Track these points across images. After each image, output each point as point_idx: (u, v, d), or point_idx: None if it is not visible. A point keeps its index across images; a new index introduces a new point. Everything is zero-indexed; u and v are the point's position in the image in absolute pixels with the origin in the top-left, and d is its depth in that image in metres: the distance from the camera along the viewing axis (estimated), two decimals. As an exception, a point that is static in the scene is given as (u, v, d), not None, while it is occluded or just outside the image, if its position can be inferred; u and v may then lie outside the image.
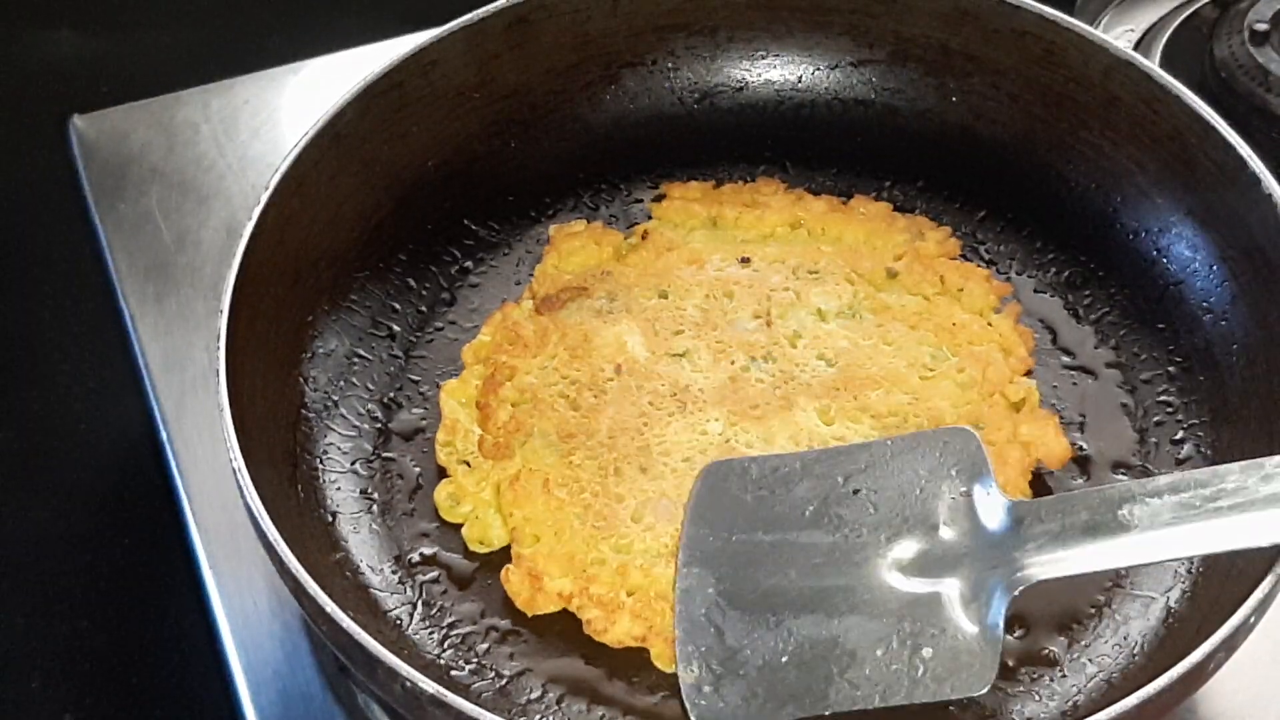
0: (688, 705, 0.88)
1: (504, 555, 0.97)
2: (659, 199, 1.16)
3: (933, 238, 1.12)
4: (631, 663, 0.92)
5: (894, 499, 0.91)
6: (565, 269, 1.11)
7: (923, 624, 0.87)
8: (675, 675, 0.91)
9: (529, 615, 0.94)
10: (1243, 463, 0.83)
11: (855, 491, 0.93)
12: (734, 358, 1.04)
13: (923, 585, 0.89)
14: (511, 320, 1.07)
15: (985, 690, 0.86)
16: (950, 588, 0.88)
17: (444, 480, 1.00)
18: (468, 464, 1.01)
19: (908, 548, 0.90)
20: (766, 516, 0.93)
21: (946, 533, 0.90)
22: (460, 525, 0.98)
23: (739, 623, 0.90)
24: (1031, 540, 0.87)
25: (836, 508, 0.92)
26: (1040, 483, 0.99)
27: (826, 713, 0.87)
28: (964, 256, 1.12)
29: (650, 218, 1.14)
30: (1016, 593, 0.87)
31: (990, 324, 1.07)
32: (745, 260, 1.09)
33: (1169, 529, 0.83)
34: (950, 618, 0.87)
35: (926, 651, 0.87)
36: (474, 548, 0.97)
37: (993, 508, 0.89)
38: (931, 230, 1.12)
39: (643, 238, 1.12)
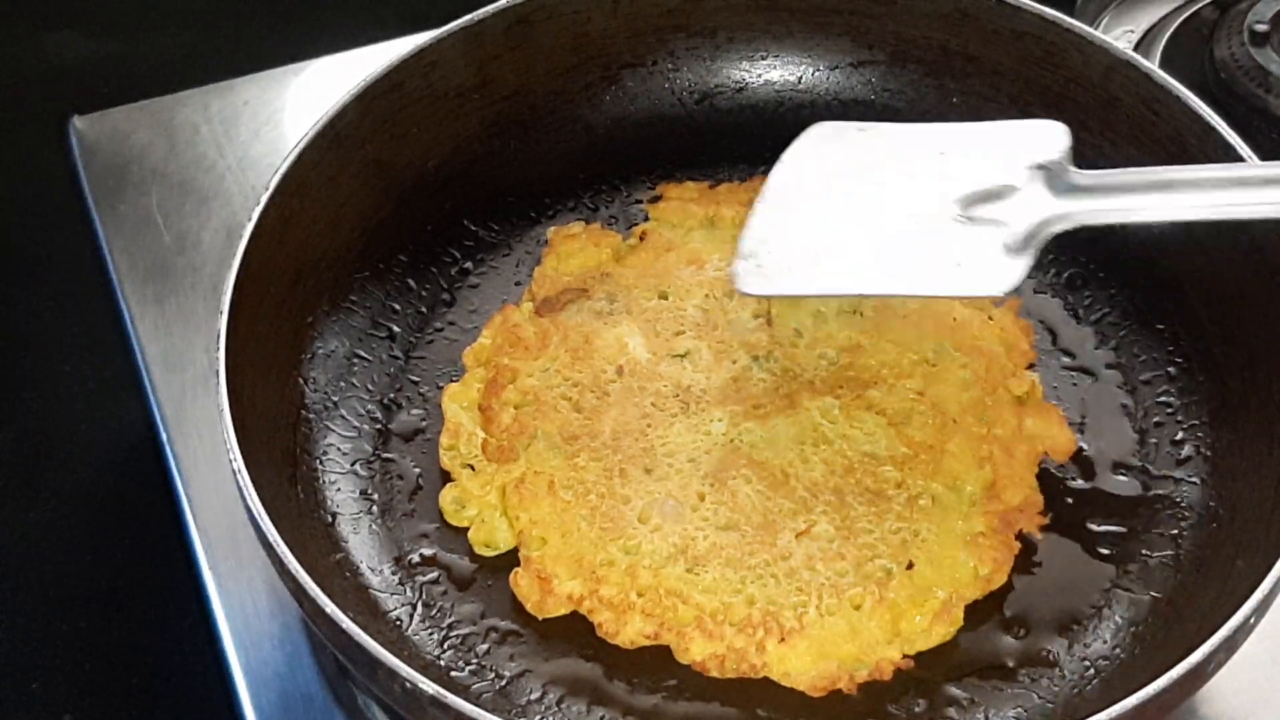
0: (736, 280, 0.97)
1: (506, 557, 0.97)
2: (656, 200, 1.16)
3: (931, 236, 1.12)
4: (632, 663, 0.92)
5: (977, 162, 0.99)
6: (564, 271, 1.11)
7: (967, 243, 0.95)
8: (682, 671, 0.91)
9: (538, 618, 0.94)
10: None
11: (943, 153, 1.01)
12: (735, 357, 1.04)
13: (980, 220, 0.96)
14: (512, 323, 1.07)
15: (1002, 292, 0.93)
16: (1002, 226, 0.95)
17: (449, 484, 1.00)
18: (472, 467, 1.01)
19: (977, 189, 0.97)
20: (855, 165, 1.02)
21: (1015, 188, 0.97)
22: (464, 528, 0.98)
23: (803, 220, 0.99)
24: (1088, 195, 0.95)
25: (922, 163, 1.01)
26: (1045, 478, 0.99)
27: (854, 293, 0.98)
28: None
29: (649, 219, 1.14)
30: (1059, 228, 0.95)
31: (991, 318, 1.07)
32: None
33: (1206, 193, 0.93)
34: (992, 243, 0.95)
35: (961, 258, 0.95)
36: (480, 551, 0.97)
37: (1064, 175, 0.97)
38: (930, 228, 1.13)
39: (641, 239, 1.12)
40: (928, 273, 0.95)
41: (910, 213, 0.98)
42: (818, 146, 1.04)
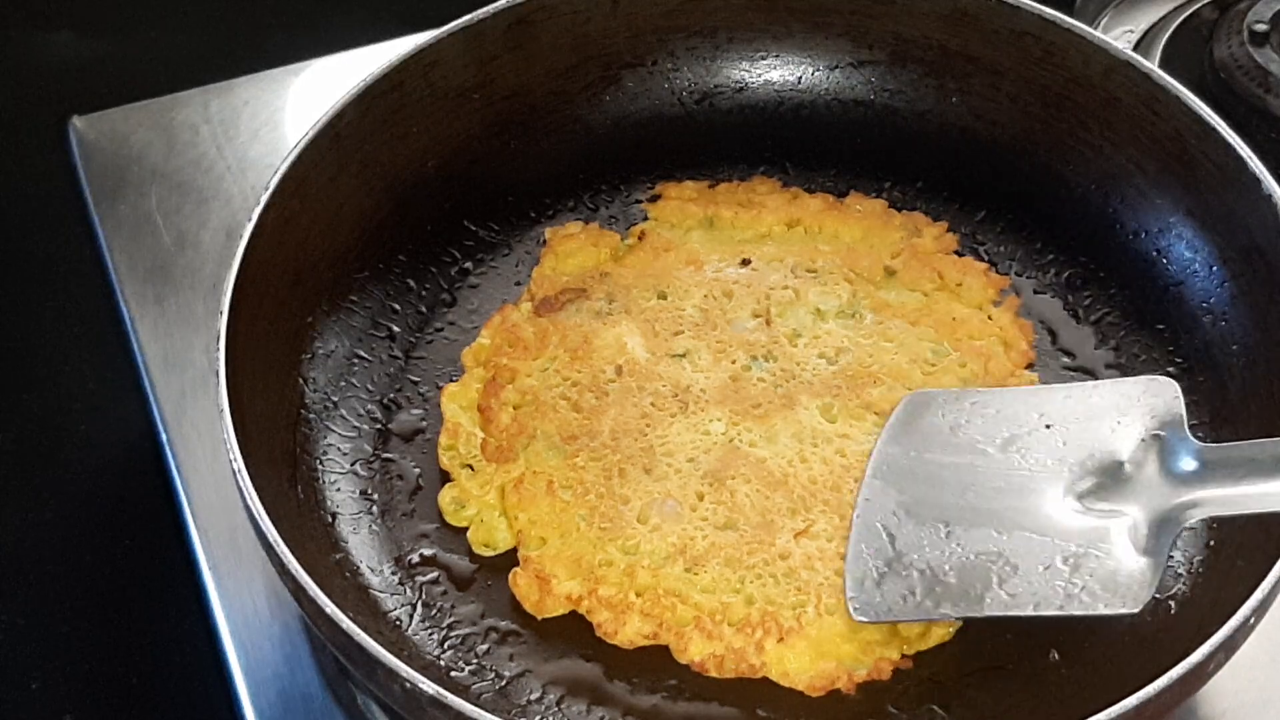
0: (849, 603, 0.92)
1: (505, 557, 0.97)
2: (655, 199, 1.16)
3: (929, 234, 1.12)
4: (632, 663, 0.92)
5: (1085, 436, 0.94)
6: (563, 271, 1.11)
7: (1089, 547, 0.90)
8: (682, 671, 0.91)
9: (537, 618, 0.94)
10: None
11: (1048, 426, 0.95)
12: (734, 357, 1.04)
13: (1097, 514, 0.91)
14: (510, 323, 1.07)
15: (1137, 610, 0.88)
16: (1123, 518, 0.91)
17: (448, 484, 1.00)
18: (471, 467, 1.01)
19: (1089, 479, 0.93)
20: (958, 442, 0.97)
21: (1130, 468, 0.92)
22: (463, 528, 0.98)
23: (912, 531, 0.93)
24: (1214, 478, 0.89)
25: (1027, 439, 0.95)
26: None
27: (978, 615, 0.90)
28: (960, 253, 1.12)
29: (648, 219, 1.14)
30: (1189, 523, 0.89)
31: (990, 318, 1.07)
32: (746, 262, 1.09)
33: None
34: (1117, 543, 0.90)
35: (1088, 571, 0.89)
36: (479, 551, 0.97)
37: (1181, 450, 0.91)
38: (928, 226, 1.13)
39: (640, 239, 1.12)
40: (1054, 586, 0.89)
41: (1023, 508, 0.92)
42: (914, 425, 0.99)
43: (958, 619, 0.92)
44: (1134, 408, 0.94)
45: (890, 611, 0.91)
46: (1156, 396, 0.94)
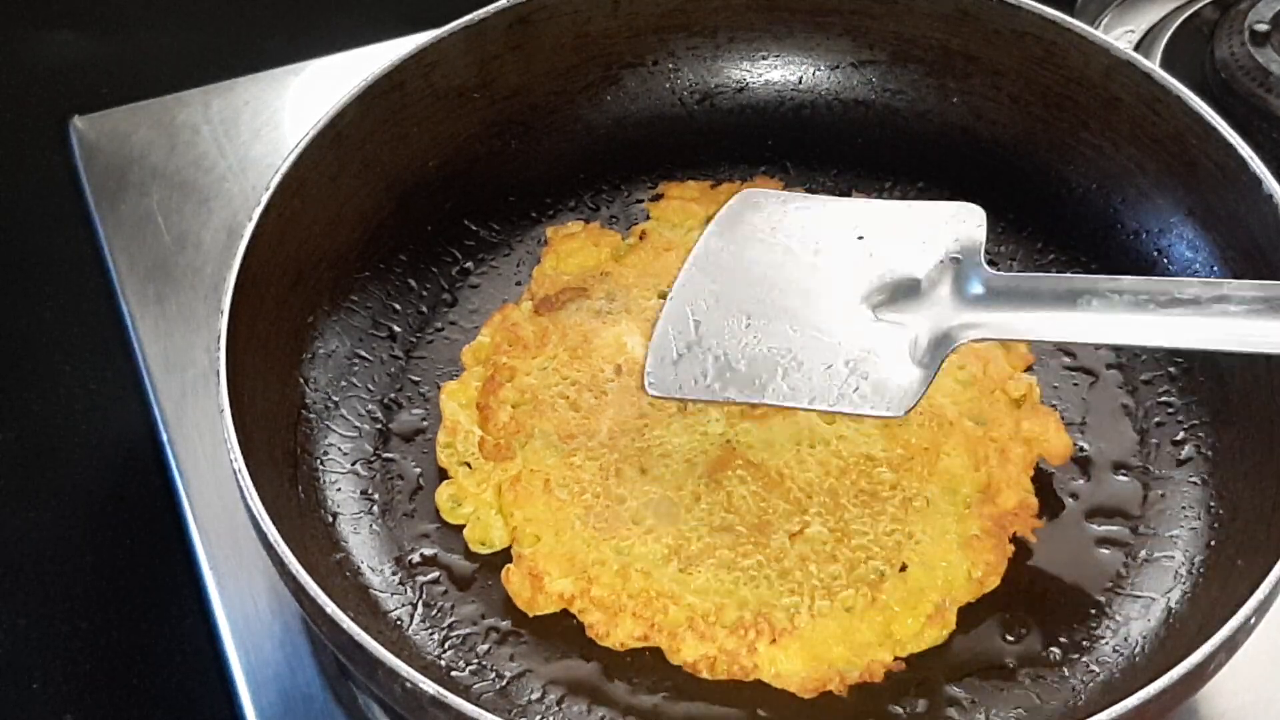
0: (646, 378, 0.97)
1: (505, 556, 0.97)
2: (656, 199, 1.16)
3: (929, 235, 1.12)
4: (632, 663, 0.92)
5: (890, 250, 0.98)
6: (563, 270, 1.11)
7: (870, 353, 0.94)
8: (681, 671, 0.91)
9: (530, 616, 0.94)
10: (1202, 279, 0.95)
11: (860, 238, 1.00)
12: (734, 358, 1.04)
13: (885, 325, 0.95)
14: (511, 321, 1.07)
15: (899, 415, 0.93)
16: (907, 331, 0.95)
17: (445, 482, 1.00)
18: (469, 465, 1.01)
19: (886, 291, 0.96)
20: (774, 241, 1.01)
21: (925, 285, 0.96)
22: (461, 526, 0.98)
23: (716, 319, 0.98)
24: (995, 304, 0.94)
25: (837, 247, 1.00)
26: (1042, 480, 0.99)
27: (757, 402, 0.95)
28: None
29: (650, 218, 1.14)
30: (961, 341, 0.93)
31: (988, 321, 1.07)
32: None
33: (1116, 314, 0.90)
34: (895, 353, 0.94)
35: (863, 374, 0.94)
36: (475, 548, 0.98)
37: (973, 275, 0.95)
38: (928, 227, 1.13)
39: (641, 238, 1.12)
40: (831, 385, 0.93)
41: (821, 309, 0.97)
42: (739, 222, 1.03)
43: (740, 403, 0.97)
44: (940, 231, 0.98)
45: (681, 389, 0.96)
46: (963, 222, 0.98)
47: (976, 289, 0.95)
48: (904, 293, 0.96)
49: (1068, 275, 0.97)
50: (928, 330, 0.94)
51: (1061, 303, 0.92)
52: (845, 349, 0.95)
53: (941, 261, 0.96)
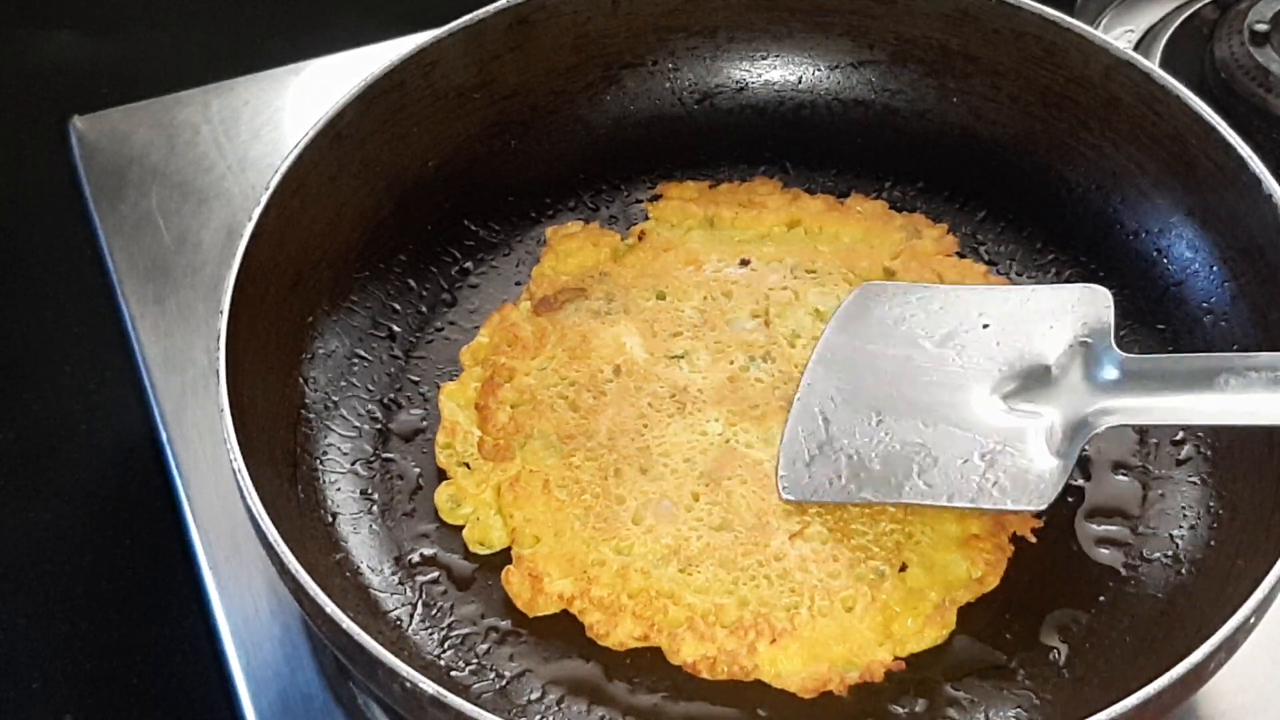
0: (779, 481, 0.96)
1: (504, 556, 0.97)
2: (655, 199, 1.16)
3: (929, 236, 1.12)
4: (632, 663, 0.92)
5: (1018, 337, 0.98)
6: (563, 270, 1.11)
7: (1006, 445, 0.94)
8: (678, 672, 0.91)
9: (530, 616, 0.94)
10: None
11: (986, 326, 0.99)
12: (733, 358, 1.04)
13: (1018, 414, 0.95)
14: (510, 322, 1.07)
15: (1041, 508, 0.92)
16: (1042, 420, 0.95)
17: (444, 482, 1.00)
18: (468, 466, 1.01)
19: (1016, 380, 0.96)
20: (900, 334, 1.01)
21: (1056, 372, 0.96)
22: (461, 527, 0.98)
23: (846, 418, 0.98)
24: (1131, 388, 0.93)
25: (965, 336, 0.99)
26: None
27: (894, 503, 0.95)
28: (962, 255, 1.12)
29: (649, 218, 1.14)
30: (1100, 429, 0.93)
31: (989, 321, 1.07)
32: (745, 262, 1.09)
33: (1255, 393, 0.89)
34: (1032, 444, 0.94)
35: (1001, 468, 0.93)
36: (474, 549, 0.98)
37: (1105, 359, 0.95)
38: (928, 228, 1.12)
39: (640, 238, 1.12)
40: (969, 481, 0.93)
41: (951, 402, 0.96)
42: (862, 315, 1.02)
43: (876, 504, 0.95)
44: (1067, 314, 0.98)
45: (816, 492, 0.95)
46: (1090, 305, 0.98)
47: (1110, 373, 0.94)
48: (1035, 380, 0.96)
49: (1202, 355, 0.97)
50: (1062, 418, 0.94)
51: (1198, 384, 0.91)
52: (980, 442, 0.94)
53: (1071, 346, 0.96)
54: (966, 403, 0.96)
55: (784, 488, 0.96)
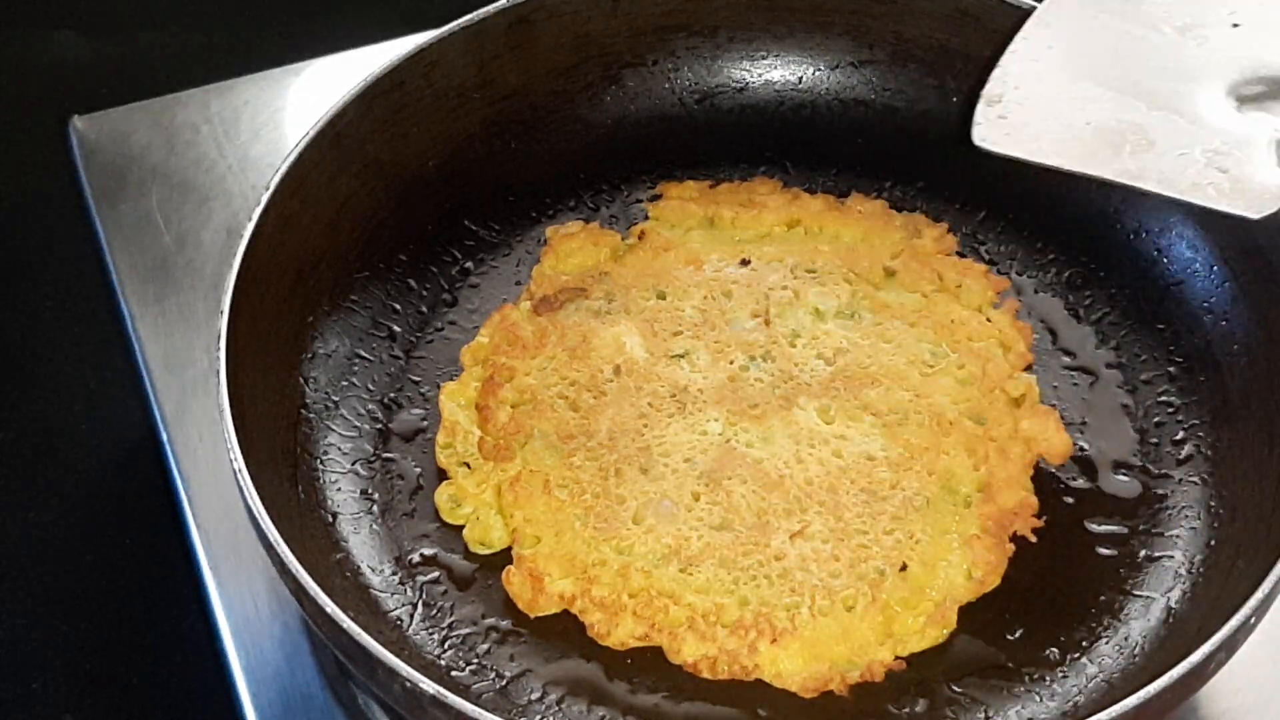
0: (974, 130, 0.91)
1: (505, 556, 0.97)
2: (655, 199, 1.16)
3: (929, 235, 1.12)
4: (633, 663, 0.92)
5: (1268, 43, 0.92)
6: (563, 270, 1.11)
7: (1232, 147, 0.88)
8: (678, 672, 0.91)
9: (531, 616, 0.94)
10: None
11: (1235, 25, 0.94)
12: (733, 358, 1.04)
13: (1250, 121, 0.90)
14: (510, 322, 1.07)
15: (1256, 218, 0.86)
16: (1273, 132, 0.89)
17: (445, 482, 1.00)
18: (468, 466, 1.01)
19: (1257, 85, 0.91)
20: (1136, 12, 0.95)
21: None
22: (461, 527, 0.98)
23: (1062, 80, 0.92)
24: None
25: (1208, 30, 0.94)
26: (1042, 479, 0.99)
27: (1095, 175, 0.89)
28: (962, 254, 1.12)
29: (649, 218, 1.14)
30: None
31: (989, 320, 1.07)
32: (745, 262, 1.09)
33: None
34: (1260, 152, 0.88)
35: (1220, 167, 0.88)
36: (475, 549, 0.98)
37: None
38: (928, 227, 1.12)
39: (640, 238, 1.12)
40: (1184, 172, 0.87)
41: (1180, 92, 0.90)
42: None
43: (1072, 173, 0.90)
44: None
45: (1012, 146, 0.89)
46: None
47: None
48: (1276, 90, 0.91)
49: None
50: None
51: None
52: (1204, 137, 0.89)
53: None
54: (1196, 96, 0.91)
55: (978, 136, 0.90)
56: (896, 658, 0.92)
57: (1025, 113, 0.89)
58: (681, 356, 1.05)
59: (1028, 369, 1.05)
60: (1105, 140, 0.88)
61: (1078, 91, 0.90)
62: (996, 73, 0.91)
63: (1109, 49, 0.92)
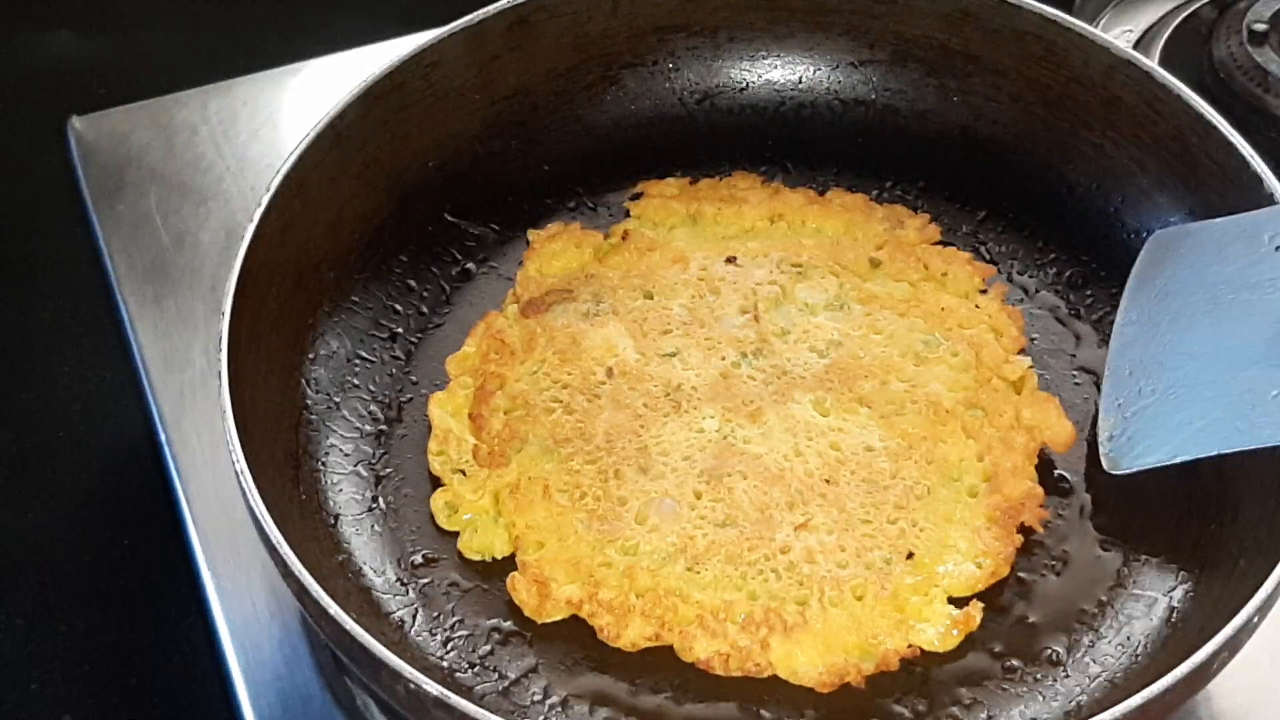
0: (1103, 456, 0.93)
1: (507, 559, 0.97)
2: (636, 197, 1.15)
3: (912, 225, 1.12)
4: (635, 663, 0.92)
5: None
6: (547, 273, 1.10)
7: None
8: (685, 671, 0.91)
9: (538, 622, 0.94)
10: None
11: (1278, 248, 0.93)
12: (724, 354, 1.04)
13: None
14: (495, 329, 1.07)
15: None
16: None
17: (439, 489, 1.00)
18: (463, 473, 1.00)
19: None
20: (1199, 278, 0.96)
21: None
22: (456, 533, 0.98)
23: (1161, 370, 0.92)
24: None
25: (1262, 264, 0.93)
26: (1047, 467, 0.99)
27: (1232, 450, 0.89)
28: (947, 243, 1.11)
29: (629, 215, 1.14)
30: None
31: (978, 306, 1.07)
32: (731, 259, 1.09)
33: None
34: None
35: None
36: (471, 558, 0.97)
37: None
38: (910, 218, 1.13)
39: (623, 238, 1.12)
40: None
41: (1263, 336, 0.91)
42: (1157, 267, 0.98)
43: (1224, 452, 0.89)
44: None
45: (1150, 457, 0.91)
46: None
47: None
48: None
49: None
50: None
51: None
52: None
53: None
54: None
55: (1108, 461, 0.92)
56: (910, 645, 0.91)
57: (1145, 420, 0.91)
58: (673, 355, 1.04)
59: (1021, 352, 1.05)
60: (1224, 410, 0.89)
61: (1180, 369, 0.91)
62: (1104, 395, 0.93)
63: (1193, 310, 0.93)
